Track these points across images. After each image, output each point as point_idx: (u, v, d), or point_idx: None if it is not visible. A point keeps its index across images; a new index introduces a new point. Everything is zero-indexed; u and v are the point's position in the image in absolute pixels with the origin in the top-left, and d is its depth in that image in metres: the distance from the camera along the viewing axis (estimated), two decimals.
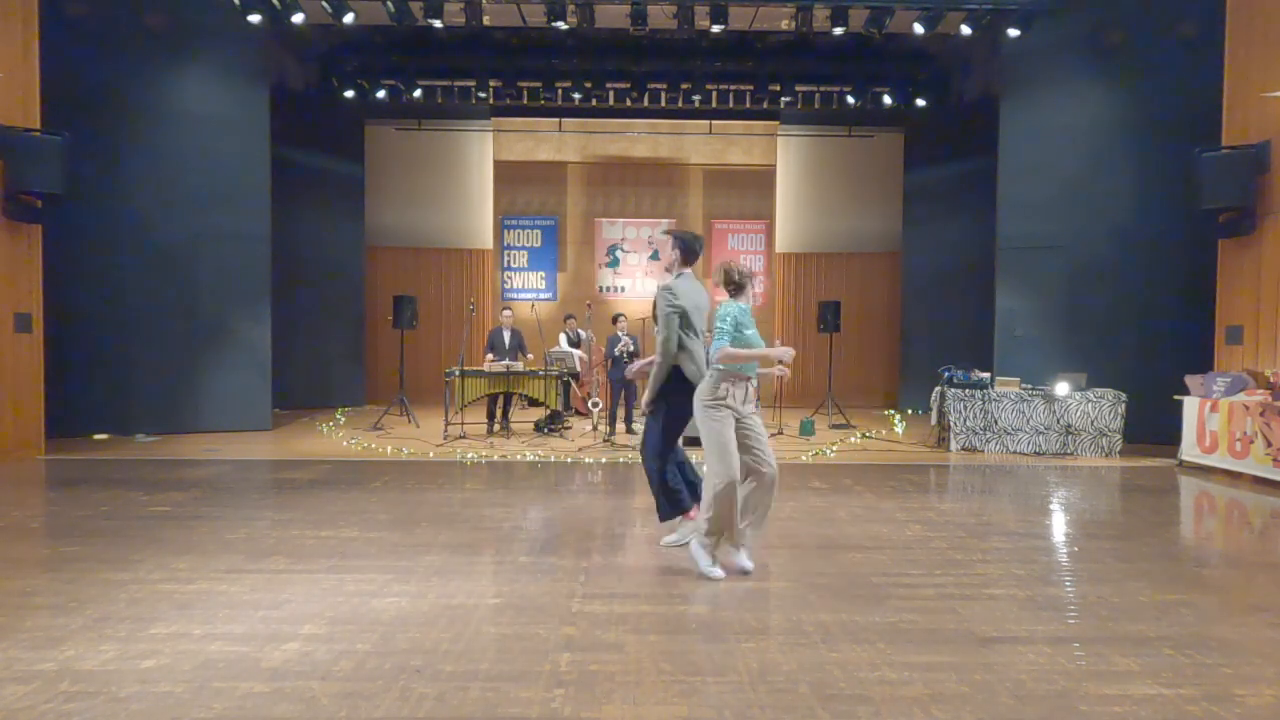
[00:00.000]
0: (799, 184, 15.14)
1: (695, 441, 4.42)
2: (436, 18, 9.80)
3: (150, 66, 9.70)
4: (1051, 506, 6.40)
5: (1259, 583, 4.41)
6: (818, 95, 13.40)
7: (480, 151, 14.96)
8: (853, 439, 10.16)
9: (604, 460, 8.31)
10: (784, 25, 11.28)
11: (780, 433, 10.16)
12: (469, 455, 8.44)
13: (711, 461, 4.30)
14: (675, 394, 4.67)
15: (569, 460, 8.29)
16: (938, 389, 9.52)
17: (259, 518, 5.61)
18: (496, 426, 10.15)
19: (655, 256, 15.15)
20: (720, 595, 4.02)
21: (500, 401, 10.17)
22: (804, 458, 8.56)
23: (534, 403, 9.96)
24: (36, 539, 5.14)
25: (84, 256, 9.39)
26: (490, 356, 10.02)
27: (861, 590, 4.13)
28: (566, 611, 3.76)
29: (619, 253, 15.16)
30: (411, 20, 10.17)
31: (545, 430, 10.19)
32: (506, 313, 10.61)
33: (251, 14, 9.71)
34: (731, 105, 13.69)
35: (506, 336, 10.34)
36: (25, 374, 8.26)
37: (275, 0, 9.75)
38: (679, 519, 4.94)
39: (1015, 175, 10.11)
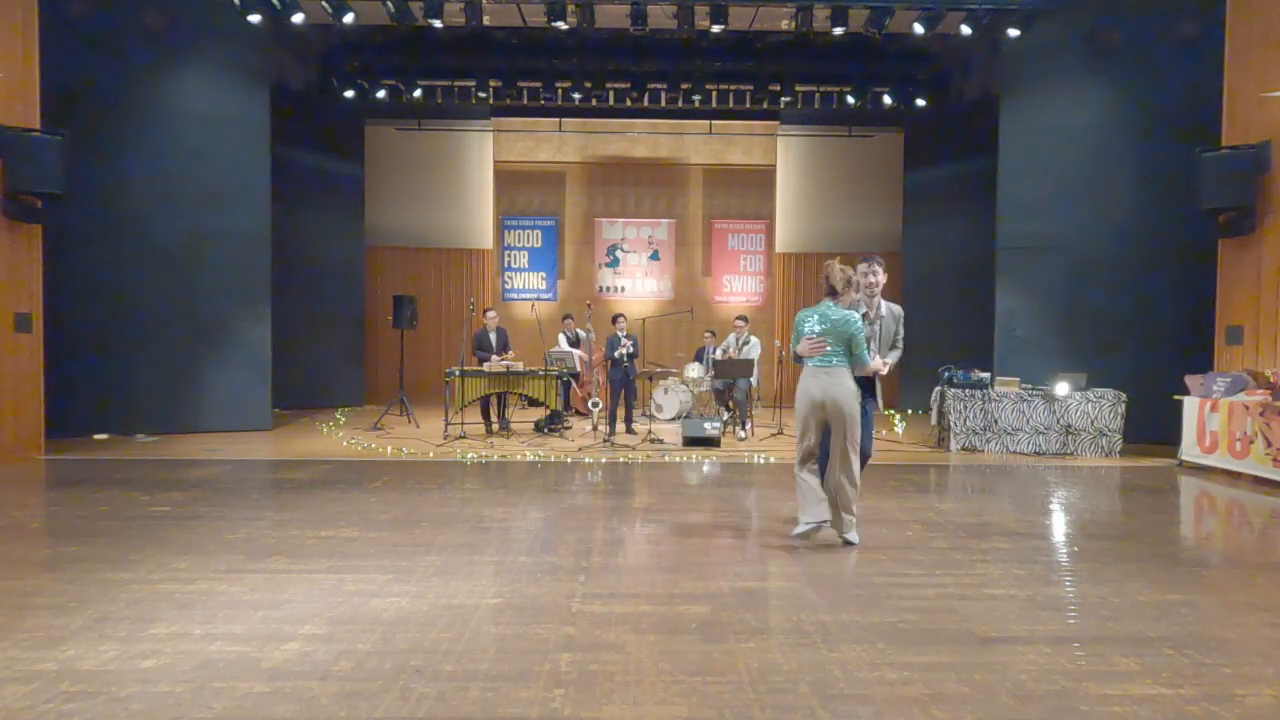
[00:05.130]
0: (799, 184, 15.15)
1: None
2: (436, 18, 9.80)
3: (150, 66, 9.69)
4: (1051, 506, 6.40)
5: (1259, 583, 4.40)
6: (818, 95, 13.41)
7: (480, 151, 14.96)
8: None
9: (604, 460, 8.31)
10: (784, 25, 11.28)
11: (780, 432, 10.16)
12: (469, 455, 8.44)
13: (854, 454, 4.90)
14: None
15: (569, 460, 8.29)
16: (938, 389, 9.52)
17: (259, 518, 5.61)
18: (495, 426, 10.15)
19: (655, 257, 15.16)
20: (720, 595, 4.02)
21: (495, 401, 10.17)
22: None
23: (534, 403, 9.96)
24: (36, 539, 5.13)
25: (84, 256, 9.38)
26: (488, 361, 9.98)
27: (861, 590, 4.13)
28: (566, 611, 3.76)
29: (619, 253, 15.16)
30: (411, 20, 10.19)
31: (545, 430, 10.19)
32: (490, 313, 10.67)
33: (251, 14, 9.73)
34: (731, 105, 13.70)
35: (493, 338, 10.38)
36: (25, 374, 8.26)
37: (275, 0, 9.75)
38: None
39: (1015, 175, 10.11)
